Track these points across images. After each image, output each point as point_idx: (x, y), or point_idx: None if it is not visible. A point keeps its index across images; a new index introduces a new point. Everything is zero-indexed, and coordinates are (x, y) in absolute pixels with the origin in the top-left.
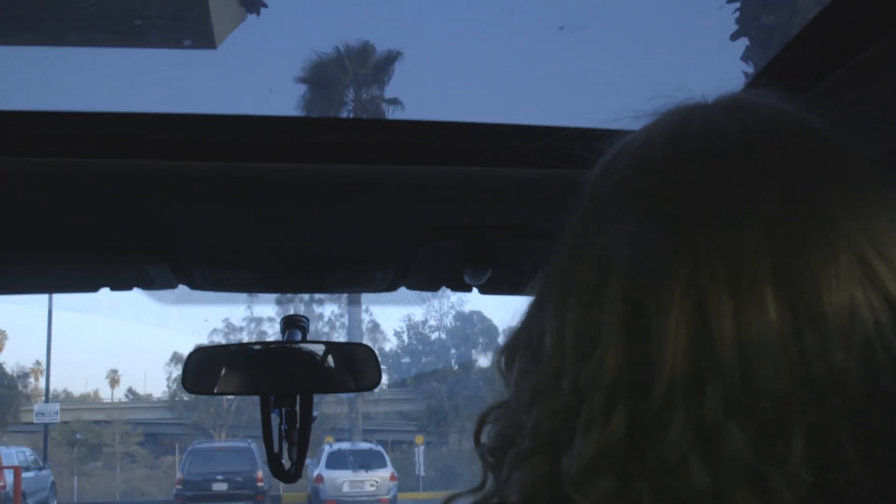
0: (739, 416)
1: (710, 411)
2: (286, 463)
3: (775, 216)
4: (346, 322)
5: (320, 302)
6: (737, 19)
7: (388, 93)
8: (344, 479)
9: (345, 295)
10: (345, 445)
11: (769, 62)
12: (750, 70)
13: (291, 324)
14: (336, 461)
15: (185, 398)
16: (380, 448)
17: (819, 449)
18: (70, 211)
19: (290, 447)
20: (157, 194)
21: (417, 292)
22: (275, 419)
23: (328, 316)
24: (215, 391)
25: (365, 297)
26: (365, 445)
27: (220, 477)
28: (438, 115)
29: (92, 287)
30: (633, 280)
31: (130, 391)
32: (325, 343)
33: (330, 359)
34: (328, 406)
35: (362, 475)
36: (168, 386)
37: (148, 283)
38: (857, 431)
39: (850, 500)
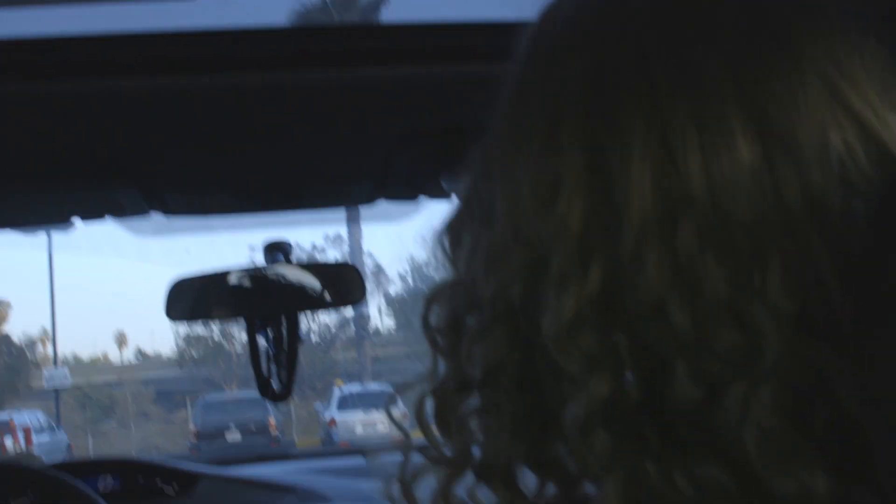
0: (714, 249)
1: (685, 246)
2: (275, 385)
3: (736, 40)
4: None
5: (322, 250)
6: None
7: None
8: (356, 421)
9: (345, 243)
10: (355, 388)
11: None
12: None
13: (274, 248)
14: (347, 404)
15: (195, 354)
16: (390, 388)
17: (798, 279)
18: (29, 138)
19: (278, 369)
20: (118, 114)
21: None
22: (262, 343)
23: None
24: (199, 317)
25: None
26: (375, 387)
27: (232, 426)
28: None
29: (62, 218)
30: (589, 120)
31: (140, 352)
32: (309, 264)
33: (314, 279)
34: (337, 352)
35: (374, 416)
36: (176, 343)
37: (119, 211)
38: (834, 258)
39: (830, 333)
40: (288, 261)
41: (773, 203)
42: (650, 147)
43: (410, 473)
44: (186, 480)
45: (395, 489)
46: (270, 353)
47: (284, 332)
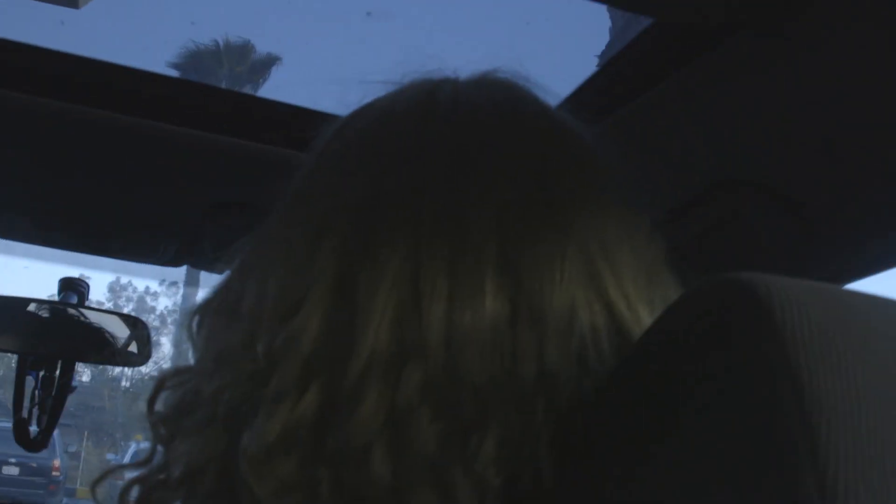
0: (434, 404)
1: (405, 394)
2: (33, 430)
3: (509, 200)
4: (178, 319)
5: (154, 296)
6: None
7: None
8: None
9: (180, 291)
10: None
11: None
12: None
13: (69, 285)
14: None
15: None
16: None
17: (513, 450)
18: None
19: (40, 414)
20: None
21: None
22: (30, 382)
23: (160, 309)
24: None
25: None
26: None
27: (12, 460)
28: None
29: None
30: (349, 244)
31: None
32: (99, 310)
33: (101, 328)
34: (144, 406)
35: None
36: None
37: None
38: (553, 436)
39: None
40: (81, 301)
41: (508, 371)
42: (399, 285)
43: None
44: None
45: None
46: (37, 394)
47: (57, 376)
